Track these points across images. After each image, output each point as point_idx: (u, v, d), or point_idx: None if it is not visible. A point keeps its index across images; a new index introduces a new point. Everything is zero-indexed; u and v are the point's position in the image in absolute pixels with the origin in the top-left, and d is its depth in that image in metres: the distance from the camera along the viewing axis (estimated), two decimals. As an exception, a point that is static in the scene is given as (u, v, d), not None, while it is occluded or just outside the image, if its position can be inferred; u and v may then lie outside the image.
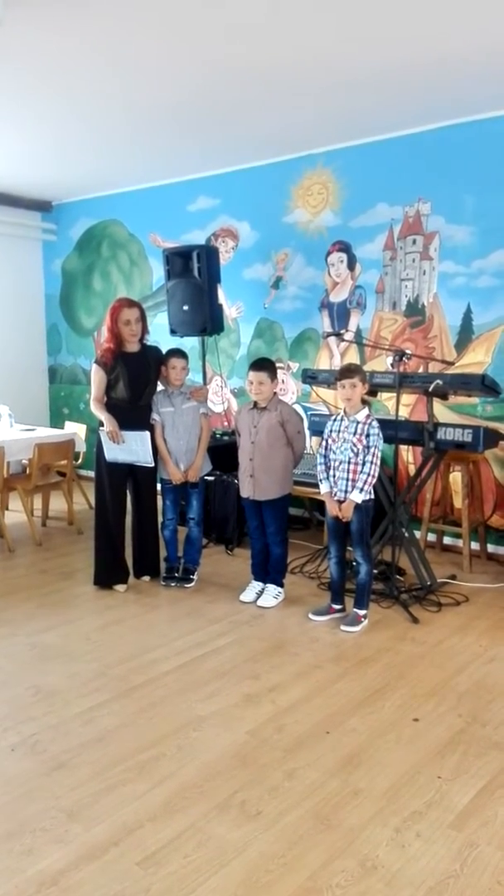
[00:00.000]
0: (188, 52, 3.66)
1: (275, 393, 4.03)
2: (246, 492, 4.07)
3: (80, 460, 6.07)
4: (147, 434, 4.08)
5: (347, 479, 3.70)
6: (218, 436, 5.71)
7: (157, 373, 4.21)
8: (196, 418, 4.24)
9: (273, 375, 3.95)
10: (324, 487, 3.80)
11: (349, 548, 3.86)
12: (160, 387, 4.27)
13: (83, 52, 3.67)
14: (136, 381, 4.12)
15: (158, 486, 4.36)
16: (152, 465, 4.14)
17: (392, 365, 4.18)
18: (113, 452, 4.11)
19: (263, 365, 3.95)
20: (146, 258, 6.77)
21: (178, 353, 4.22)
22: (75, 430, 6.09)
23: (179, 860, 2.09)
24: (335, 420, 3.80)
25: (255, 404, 4.01)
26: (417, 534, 4.81)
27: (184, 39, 3.51)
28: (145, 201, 6.66)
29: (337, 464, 3.74)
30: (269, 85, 4.12)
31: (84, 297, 7.38)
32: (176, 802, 2.35)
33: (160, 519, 4.44)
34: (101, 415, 4.08)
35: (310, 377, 4.65)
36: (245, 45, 3.57)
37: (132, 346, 4.14)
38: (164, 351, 4.30)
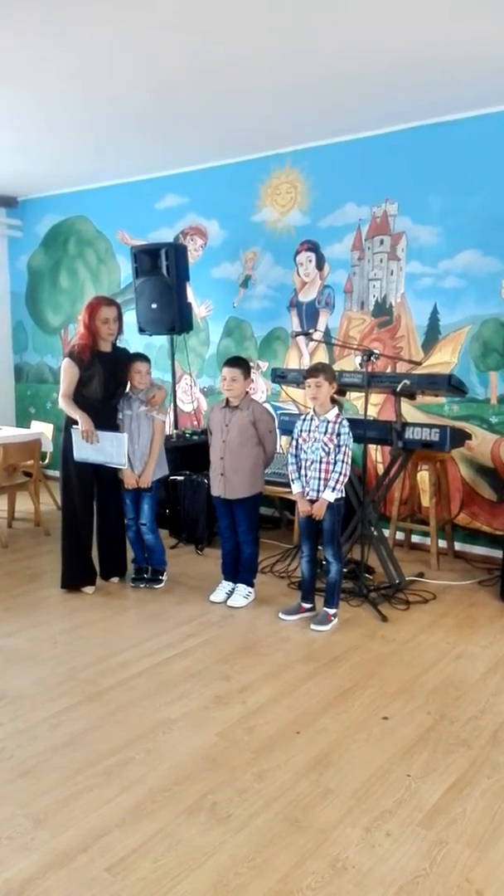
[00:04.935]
0: (152, 51, 3.62)
1: (247, 392, 4.02)
2: (217, 491, 4.05)
3: (46, 460, 5.99)
4: (125, 436, 4.03)
5: (319, 479, 3.70)
6: (187, 435, 5.68)
7: (127, 375, 4.18)
8: (150, 422, 4.20)
9: (246, 373, 3.94)
10: (296, 487, 3.81)
11: (320, 547, 3.87)
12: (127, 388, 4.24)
13: (45, 50, 3.62)
14: (109, 381, 4.08)
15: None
16: (125, 466, 4.09)
17: (360, 365, 4.20)
18: (84, 452, 4.05)
19: (237, 362, 3.94)
20: (114, 256, 6.70)
21: (142, 357, 4.20)
22: (42, 429, 6.00)
23: (149, 865, 2.07)
24: (305, 420, 3.80)
25: (227, 402, 4.00)
26: (386, 532, 4.83)
27: (147, 37, 3.47)
28: (113, 198, 6.60)
29: (308, 463, 3.74)
30: (234, 84, 4.10)
31: (50, 295, 7.28)
32: (145, 806, 2.33)
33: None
34: (75, 413, 4.01)
35: (279, 376, 4.65)
36: (210, 45, 3.55)
37: (105, 346, 4.10)
38: (130, 352, 4.27)
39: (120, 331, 4.13)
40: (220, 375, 3.97)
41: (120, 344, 4.24)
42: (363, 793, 2.40)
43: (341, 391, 4.10)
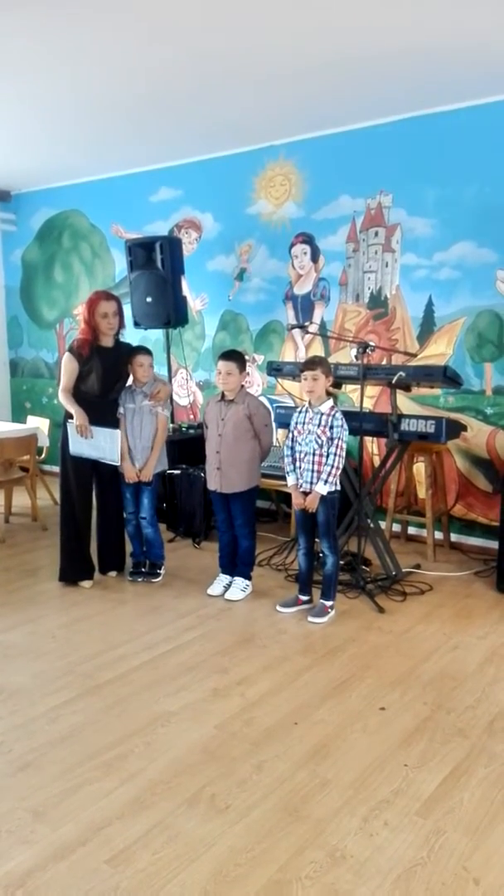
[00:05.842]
0: (144, 43, 3.60)
1: (242, 385, 4.02)
2: (213, 484, 4.05)
3: (43, 455, 5.99)
4: (118, 432, 4.04)
5: (313, 471, 3.71)
6: (184, 429, 5.68)
7: (127, 370, 4.18)
8: (153, 417, 4.20)
9: (241, 367, 3.95)
10: (290, 480, 3.81)
11: (317, 539, 3.88)
12: (129, 382, 4.23)
13: (33, 47, 3.61)
14: (108, 376, 4.07)
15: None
16: (118, 463, 4.10)
17: (356, 357, 4.20)
18: (78, 446, 4.06)
19: (232, 355, 3.95)
20: (108, 249, 6.68)
21: (145, 350, 4.20)
22: (38, 424, 5.99)
23: (148, 857, 2.08)
24: (300, 412, 3.81)
25: (223, 396, 4.00)
26: (382, 524, 4.85)
27: (140, 30, 3.45)
28: (107, 191, 6.57)
29: (302, 455, 3.75)
30: (227, 75, 4.07)
31: (45, 289, 7.25)
32: (144, 799, 2.34)
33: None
34: (72, 407, 4.02)
35: (275, 369, 4.65)
36: (202, 37, 3.53)
37: (107, 341, 4.09)
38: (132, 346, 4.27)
39: (121, 325, 4.13)
40: (216, 369, 3.97)
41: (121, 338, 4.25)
42: (361, 783, 2.42)
43: (337, 384, 4.11)
